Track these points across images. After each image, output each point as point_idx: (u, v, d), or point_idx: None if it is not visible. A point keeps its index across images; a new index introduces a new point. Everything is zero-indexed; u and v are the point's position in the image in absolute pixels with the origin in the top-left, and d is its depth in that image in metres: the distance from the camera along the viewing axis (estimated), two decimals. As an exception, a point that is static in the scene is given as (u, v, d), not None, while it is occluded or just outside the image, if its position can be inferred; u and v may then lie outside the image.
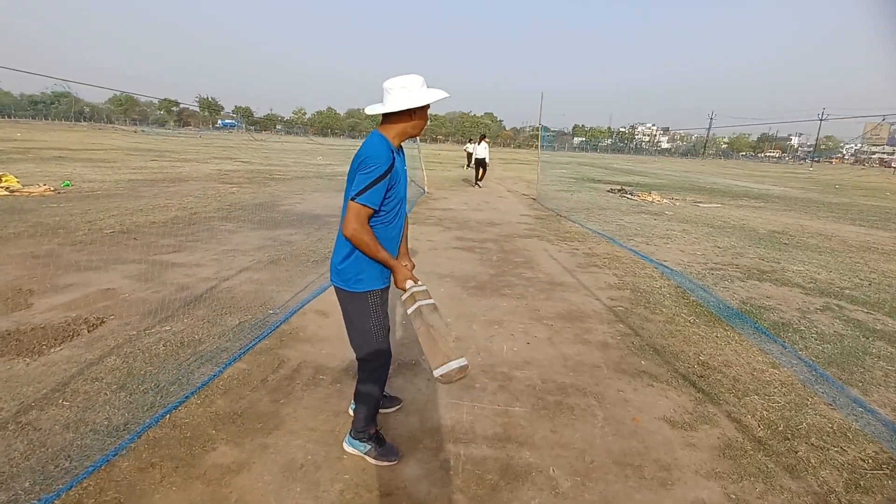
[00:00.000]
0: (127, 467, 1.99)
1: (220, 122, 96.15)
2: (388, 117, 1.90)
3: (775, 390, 3.04)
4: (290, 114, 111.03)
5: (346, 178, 1.92)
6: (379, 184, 1.77)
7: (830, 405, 2.91)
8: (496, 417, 2.54)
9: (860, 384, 3.21)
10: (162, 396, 2.51)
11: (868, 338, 4.02)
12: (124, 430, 2.22)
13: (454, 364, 1.83)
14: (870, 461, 2.40)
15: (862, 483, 2.22)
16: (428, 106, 1.92)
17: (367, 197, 1.77)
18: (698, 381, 3.09)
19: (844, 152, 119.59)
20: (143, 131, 56.32)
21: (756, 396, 2.94)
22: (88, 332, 3.20)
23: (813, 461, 2.35)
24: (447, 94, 1.92)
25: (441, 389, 2.80)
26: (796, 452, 2.41)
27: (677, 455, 2.33)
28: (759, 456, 2.36)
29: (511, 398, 2.75)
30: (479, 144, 14.62)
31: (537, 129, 16.01)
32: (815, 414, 2.79)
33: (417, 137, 12.48)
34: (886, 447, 2.53)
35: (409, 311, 1.96)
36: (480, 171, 14.60)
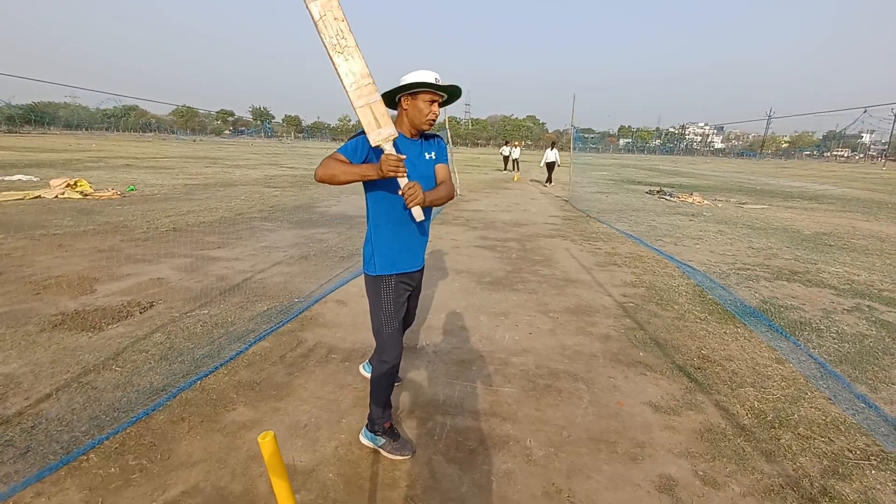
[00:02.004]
0: (162, 420, 2.37)
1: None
2: (397, 110, 2.05)
3: (774, 384, 3.06)
4: (335, 121, 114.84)
5: None
6: (350, 141, 1.92)
7: (830, 400, 2.90)
8: (486, 396, 2.75)
9: (870, 382, 3.16)
10: (196, 367, 2.90)
11: (894, 338, 3.89)
12: (163, 391, 2.61)
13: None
14: (857, 452, 2.41)
15: (841, 470, 2.25)
16: (426, 96, 1.94)
17: (340, 148, 1.91)
18: (694, 372, 3.16)
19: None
20: (201, 140, 60.15)
21: (751, 388, 2.98)
22: (140, 313, 3.68)
23: (794, 448, 2.40)
24: (420, 80, 1.89)
25: (439, 371, 3.03)
26: (779, 440, 2.47)
27: (654, 435, 2.45)
28: (739, 441, 2.44)
29: (503, 380, 2.94)
30: (550, 150, 17.57)
31: (578, 131, 17.47)
32: (811, 407, 2.81)
33: (448, 140, 12.58)
34: (879, 440, 2.52)
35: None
36: (550, 172, 17.31)
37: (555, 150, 17.47)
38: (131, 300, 3.95)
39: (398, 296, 2.12)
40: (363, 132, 1.86)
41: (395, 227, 2.06)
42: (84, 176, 11.77)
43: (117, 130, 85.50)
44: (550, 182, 17.12)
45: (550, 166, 17.22)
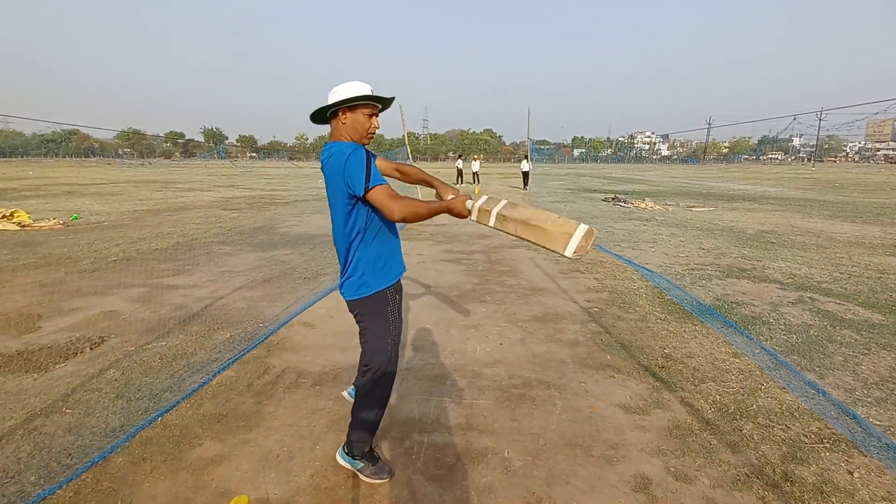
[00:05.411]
0: (121, 462, 2.23)
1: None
2: (332, 123, 1.98)
3: (732, 377, 3.21)
4: (292, 140, 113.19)
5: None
6: (362, 167, 1.81)
7: (784, 388, 3.07)
8: (461, 410, 2.75)
9: (818, 369, 3.36)
10: (155, 402, 2.75)
11: (835, 327, 4.16)
12: (120, 431, 2.46)
13: (577, 235, 1.75)
14: (811, 436, 2.56)
15: (799, 455, 2.38)
16: (365, 109, 1.93)
17: (375, 177, 1.82)
18: (659, 371, 3.27)
19: (848, 150, 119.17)
20: (149, 164, 57.83)
21: (713, 383, 3.12)
22: (91, 349, 3.47)
23: (756, 437, 2.52)
24: (360, 93, 1.88)
25: (413, 388, 3.01)
26: (741, 431, 2.59)
27: (626, 436, 2.51)
28: (705, 435, 2.54)
29: (478, 393, 2.95)
30: (526, 161, 20.15)
31: (535, 143, 19.14)
32: (767, 397, 2.96)
33: (409, 155, 12.57)
34: (830, 423, 2.68)
35: (491, 224, 1.93)
36: (525, 179, 20.33)
37: (529, 161, 19.95)
38: (80, 336, 3.71)
39: (395, 305, 2.11)
40: (356, 150, 1.85)
41: (383, 237, 2.06)
42: (21, 205, 11.04)
43: (57, 156, 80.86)
44: (526, 187, 19.41)
45: (525, 174, 20.24)
